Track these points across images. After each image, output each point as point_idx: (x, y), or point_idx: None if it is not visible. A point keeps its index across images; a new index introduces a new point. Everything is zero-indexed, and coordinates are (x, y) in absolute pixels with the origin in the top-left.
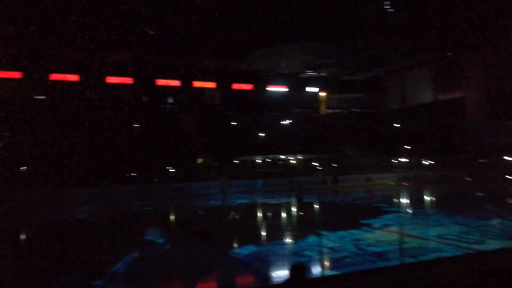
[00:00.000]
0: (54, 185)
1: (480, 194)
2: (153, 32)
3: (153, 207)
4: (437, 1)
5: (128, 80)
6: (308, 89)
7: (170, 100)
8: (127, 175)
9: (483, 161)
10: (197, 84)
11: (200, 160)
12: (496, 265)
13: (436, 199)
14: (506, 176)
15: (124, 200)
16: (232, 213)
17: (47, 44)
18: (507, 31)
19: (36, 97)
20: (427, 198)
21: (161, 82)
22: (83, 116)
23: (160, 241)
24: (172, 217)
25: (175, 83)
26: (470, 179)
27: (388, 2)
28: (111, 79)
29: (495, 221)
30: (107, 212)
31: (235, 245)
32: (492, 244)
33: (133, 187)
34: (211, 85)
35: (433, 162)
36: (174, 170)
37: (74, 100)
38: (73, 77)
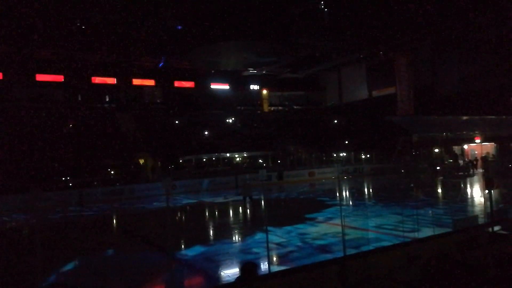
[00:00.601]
0: None
1: (413, 185)
2: (83, 26)
3: (92, 212)
4: (368, 3)
5: (59, 78)
6: (250, 86)
7: (107, 99)
8: (62, 179)
9: (414, 153)
10: (136, 82)
11: (141, 161)
12: (429, 251)
13: (373, 191)
14: (436, 167)
15: (60, 206)
16: (177, 214)
17: None
18: (431, 33)
19: None
20: (365, 190)
21: (97, 80)
22: (11, 117)
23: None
24: (112, 222)
25: (112, 80)
26: (403, 171)
27: (322, 2)
28: (42, 77)
29: (426, 210)
30: (40, 220)
31: (182, 246)
32: (425, 232)
33: (69, 192)
34: (150, 82)
35: (369, 156)
36: (114, 172)
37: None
38: None
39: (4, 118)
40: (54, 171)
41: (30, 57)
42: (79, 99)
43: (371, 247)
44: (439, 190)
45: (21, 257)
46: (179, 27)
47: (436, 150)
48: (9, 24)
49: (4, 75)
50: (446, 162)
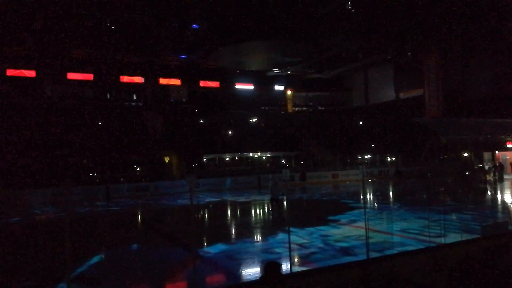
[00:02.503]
0: (9, 186)
1: (442, 189)
2: (113, 27)
3: (118, 208)
4: (396, 3)
5: (89, 77)
6: (275, 87)
7: (134, 97)
8: (90, 174)
9: (442, 157)
10: (162, 81)
11: (166, 159)
12: (455, 257)
13: (398, 194)
14: (465, 172)
15: (87, 200)
16: (200, 212)
17: (2, 37)
18: (462, 33)
19: None
20: (390, 193)
21: (125, 78)
22: (42, 114)
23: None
24: (138, 217)
25: (139, 79)
26: (431, 175)
27: (350, 2)
28: (72, 75)
29: (454, 215)
30: (69, 213)
31: (205, 244)
32: (452, 238)
33: (97, 187)
34: (176, 82)
35: (394, 159)
36: (139, 169)
37: (31, 97)
38: (30, 73)
39: (36, 114)
40: (83, 167)
41: (62, 56)
42: (108, 97)
43: (395, 251)
44: (468, 196)
45: (50, 249)
46: (196, 26)
47: (466, 154)
48: (42, 24)
49: (37, 73)
50: (475, 167)
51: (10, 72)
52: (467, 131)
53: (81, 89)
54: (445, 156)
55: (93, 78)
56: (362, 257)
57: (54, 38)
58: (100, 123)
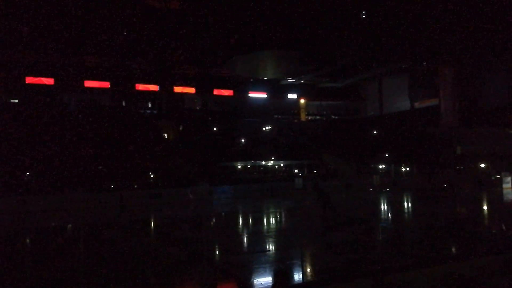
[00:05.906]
0: (24, 192)
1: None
2: (129, 35)
3: (131, 215)
4: (411, 13)
5: (105, 84)
6: (288, 95)
7: (149, 105)
8: (104, 181)
9: (458, 167)
10: (177, 89)
11: (180, 166)
12: (471, 269)
13: (413, 205)
14: (481, 183)
15: (101, 207)
16: (213, 220)
17: (22, 46)
18: (477, 43)
19: (9, 100)
20: (404, 204)
21: (141, 87)
22: (59, 121)
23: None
24: (150, 225)
25: (154, 88)
26: (446, 186)
27: (364, 12)
28: (90, 83)
29: (469, 226)
30: (79, 221)
31: (217, 252)
32: (467, 249)
33: (111, 194)
34: (191, 90)
35: (408, 169)
36: (153, 176)
37: (49, 104)
38: (49, 81)
39: (53, 122)
40: (98, 174)
41: (80, 64)
42: (123, 104)
43: (408, 262)
44: (485, 207)
45: (62, 256)
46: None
47: (482, 165)
48: (62, 33)
49: (55, 81)
50: (492, 178)
51: (29, 80)
52: (484, 142)
53: (98, 97)
54: (461, 167)
55: (109, 86)
56: (375, 267)
57: (72, 46)
58: (115, 130)
